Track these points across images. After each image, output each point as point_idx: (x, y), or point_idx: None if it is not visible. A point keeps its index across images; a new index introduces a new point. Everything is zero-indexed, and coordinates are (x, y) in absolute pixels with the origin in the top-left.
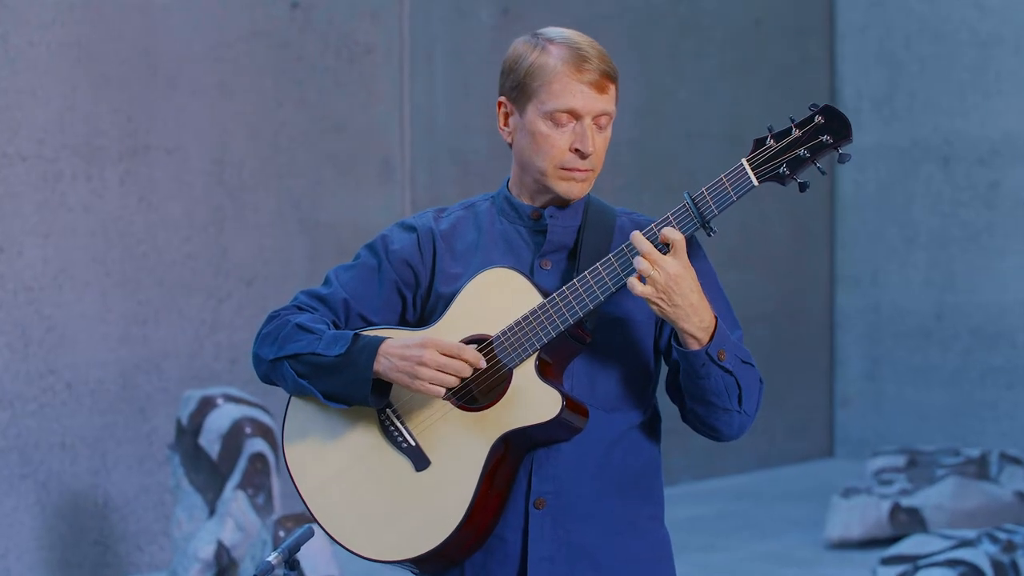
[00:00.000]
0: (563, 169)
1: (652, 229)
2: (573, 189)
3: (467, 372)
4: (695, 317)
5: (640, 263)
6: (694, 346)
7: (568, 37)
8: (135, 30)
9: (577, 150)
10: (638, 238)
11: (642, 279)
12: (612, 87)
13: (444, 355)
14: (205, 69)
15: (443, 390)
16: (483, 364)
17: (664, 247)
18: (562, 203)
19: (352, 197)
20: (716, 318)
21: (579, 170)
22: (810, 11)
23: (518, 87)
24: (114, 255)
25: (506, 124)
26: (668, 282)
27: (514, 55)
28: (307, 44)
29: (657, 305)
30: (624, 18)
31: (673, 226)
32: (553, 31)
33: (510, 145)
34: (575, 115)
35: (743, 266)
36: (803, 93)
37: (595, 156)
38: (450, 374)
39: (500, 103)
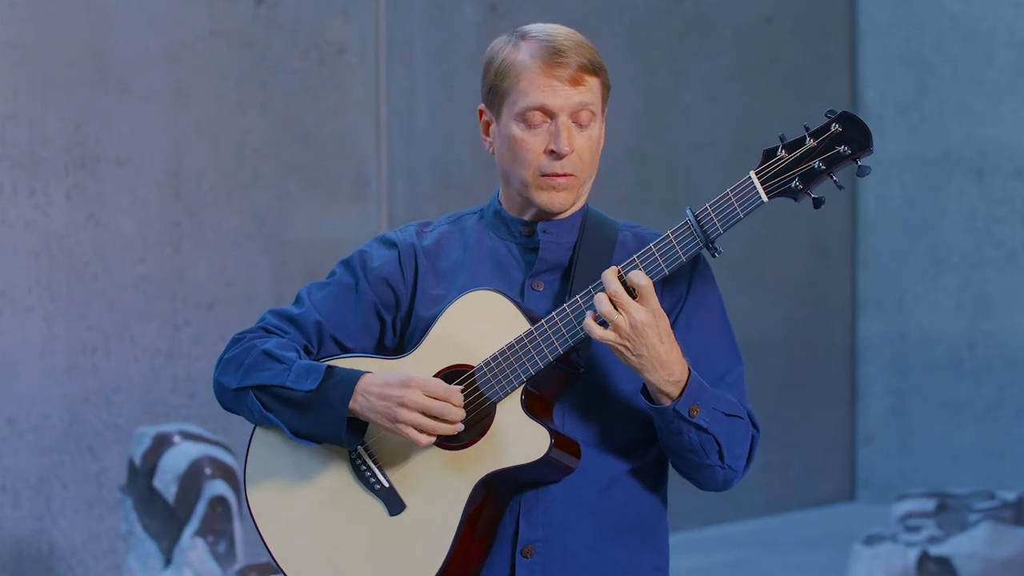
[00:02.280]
0: (542, 176)
1: (634, 260)
2: (554, 199)
3: (454, 415)
4: (662, 370)
5: (601, 304)
6: (663, 400)
7: (545, 30)
8: (83, 28)
9: (552, 151)
10: (608, 276)
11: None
12: (593, 79)
13: (429, 396)
14: (160, 71)
15: (427, 438)
16: (462, 416)
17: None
18: (555, 216)
19: (322, 213)
20: (690, 371)
21: (557, 175)
22: (829, 7)
23: (492, 90)
24: (59, 277)
25: (487, 134)
26: (631, 331)
27: (488, 56)
28: (273, 44)
29: (620, 353)
30: (623, 15)
31: (673, 243)
32: (533, 26)
33: (495, 157)
34: (548, 112)
35: (754, 290)
36: (820, 98)
37: (577, 158)
38: (434, 417)
39: (480, 111)
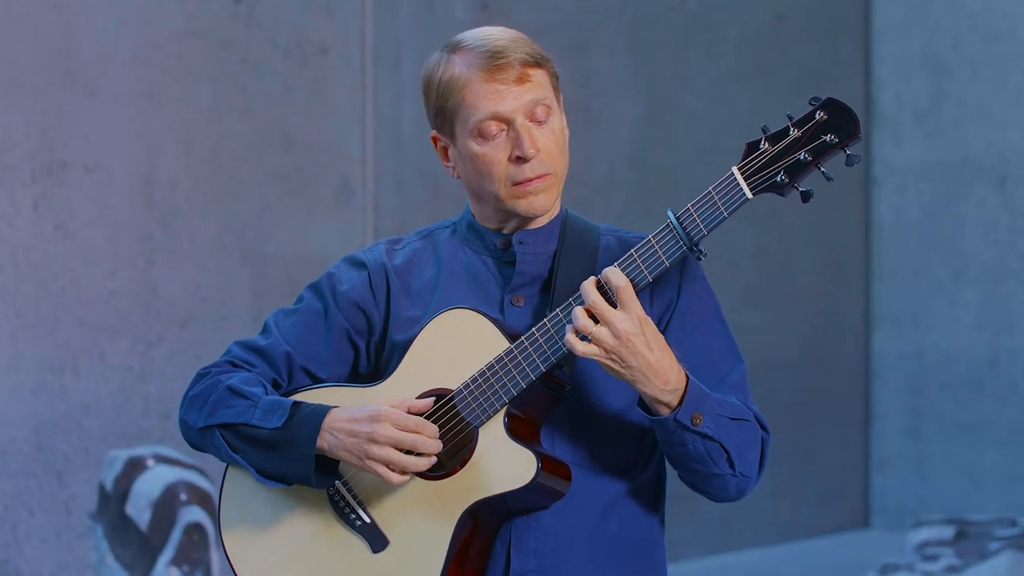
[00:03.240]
0: (516, 185)
1: (631, 259)
2: (534, 203)
3: (428, 448)
4: (656, 380)
5: (579, 319)
6: (662, 411)
7: (475, 36)
8: (50, 28)
9: (518, 158)
10: (586, 288)
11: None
12: (538, 72)
13: (401, 430)
14: (132, 73)
15: (401, 477)
16: (438, 448)
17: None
18: (532, 224)
19: (304, 224)
20: (688, 377)
21: (531, 179)
22: (842, 6)
23: (439, 113)
24: (26, 291)
25: (447, 159)
26: (616, 342)
27: (424, 79)
28: (251, 44)
29: (608, 367)
30: (622, 13)
31: (656, 248)
32: (463, 35)
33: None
34: (502, 120)
35: (762, 305)
36: None
37: (546, 156)
38: (407, 451)
39: (434, 138)
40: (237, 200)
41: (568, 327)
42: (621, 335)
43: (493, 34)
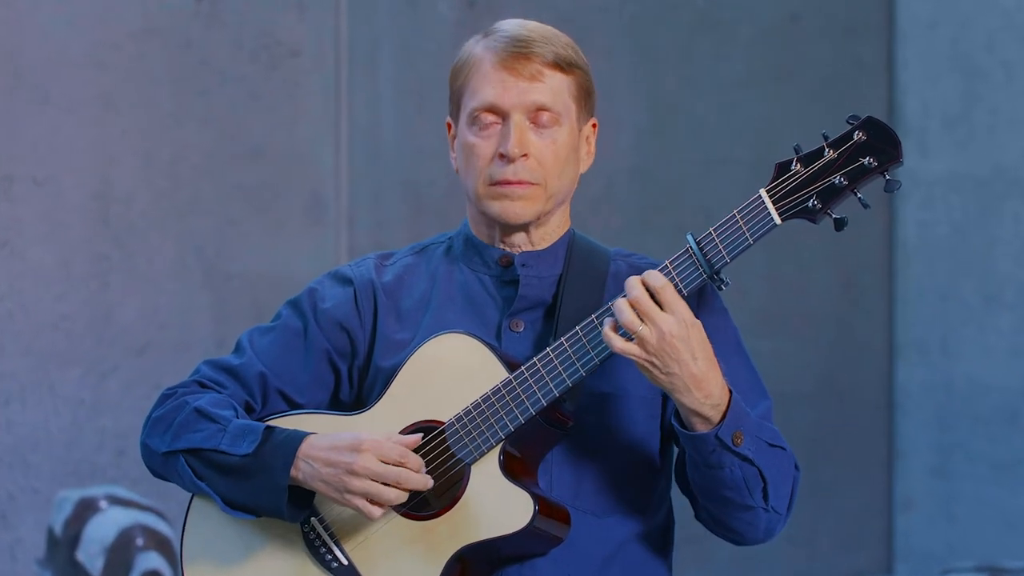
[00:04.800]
0: (493, 184)
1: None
2: (508, 210)
3: (415, 484)
4: (698, 391)
5: (624, 312)
6: (700, 427)
7: (512, 23)
8: None
9: (501, 155)
10: (631, 282)
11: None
12: (558, 77)
13: (384, 462)
14: (84, 77)
15: (379, 510)
16: (429, 484)
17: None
18: (535, 245)
19: (272, 242)
20: (731, 391)
21: (509, 182)
22: (863, 3)
23: (452, 96)
24: None
25: (453, 149)
26: (661, 343)
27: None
28: (215, 45)
29: (647, 371)
30: (622, 10)
31: (673, 275)
32: (505, 21)
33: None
34: (497, 112)
35: (775, 331)
36: (853, 108)
37: (536, 164)
38: (391, 485)
39: (448, 124)
40: (199, 216)
41: (607, 321)
42: (667, 335)
43: (529, 25)
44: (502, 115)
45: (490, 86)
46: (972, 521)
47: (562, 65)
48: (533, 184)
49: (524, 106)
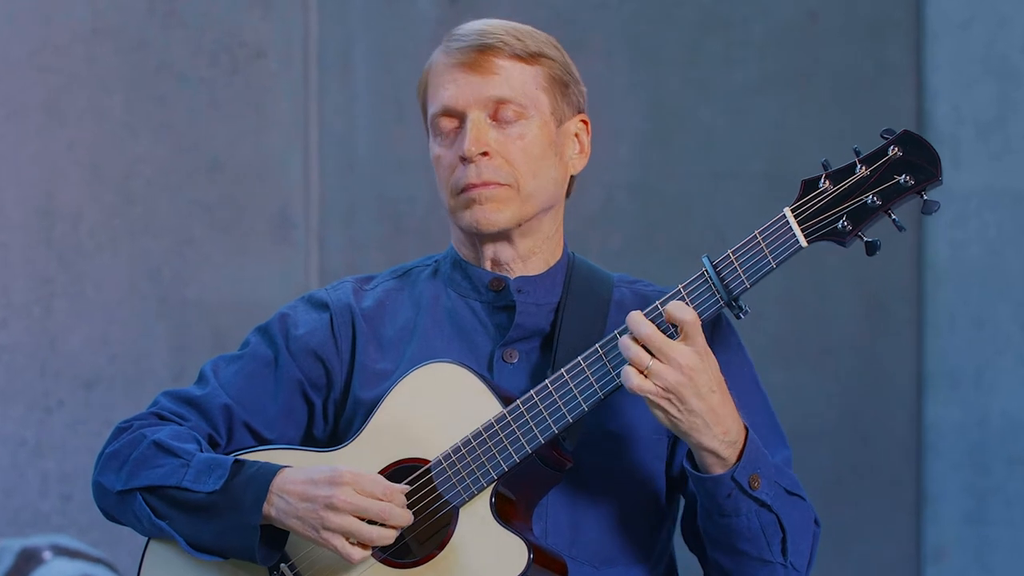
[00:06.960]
0: (459, 193)
1: (657, 307)
2: (477, 215)
3: (398, 518)
4: (716, 427)
5: (630, 349)
6: (716, 469)
7: (472, 24)
8: None
9: (461, 158)
10: (636, 319)
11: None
12: (518, 67)
13: (365, 496)
14: (26, 82)
15: (361, 552)
16: (409, 520)
17: (673, 329)
18: (488, 235)
19: (235, 265)
20: (747, 428)
21: (473, 185)
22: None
23: (422, 111)
24: None
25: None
26: (679, 380)
27: None
28: (172, 46)
29: (662, 410)
30: (621, 7)
31: (686, 302)
32: (466, 24)
33: None
34: (454, 114)
35: (792, 362)
36: (877, 116)
37: (501, 162)
38: (373, 522)
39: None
40: (153, 236)
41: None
42: (686, 369)
43: (491, 22)
44: (459, 117)
45: (443, 88)
46: (1009, 571)
47: (523, 56)
48: (501, 184)
49: (480, 102)
